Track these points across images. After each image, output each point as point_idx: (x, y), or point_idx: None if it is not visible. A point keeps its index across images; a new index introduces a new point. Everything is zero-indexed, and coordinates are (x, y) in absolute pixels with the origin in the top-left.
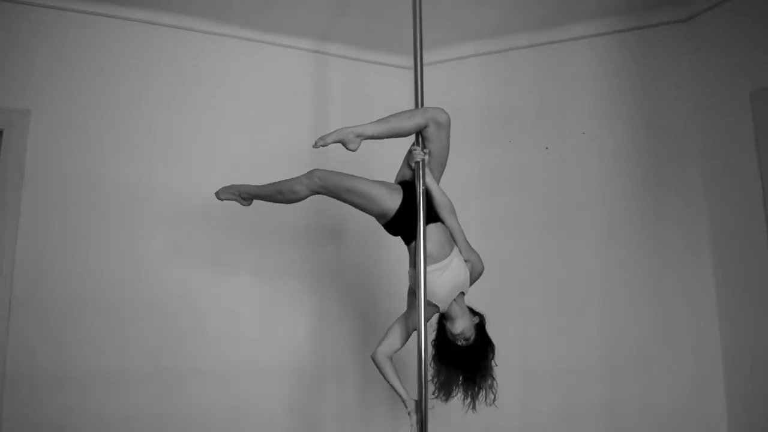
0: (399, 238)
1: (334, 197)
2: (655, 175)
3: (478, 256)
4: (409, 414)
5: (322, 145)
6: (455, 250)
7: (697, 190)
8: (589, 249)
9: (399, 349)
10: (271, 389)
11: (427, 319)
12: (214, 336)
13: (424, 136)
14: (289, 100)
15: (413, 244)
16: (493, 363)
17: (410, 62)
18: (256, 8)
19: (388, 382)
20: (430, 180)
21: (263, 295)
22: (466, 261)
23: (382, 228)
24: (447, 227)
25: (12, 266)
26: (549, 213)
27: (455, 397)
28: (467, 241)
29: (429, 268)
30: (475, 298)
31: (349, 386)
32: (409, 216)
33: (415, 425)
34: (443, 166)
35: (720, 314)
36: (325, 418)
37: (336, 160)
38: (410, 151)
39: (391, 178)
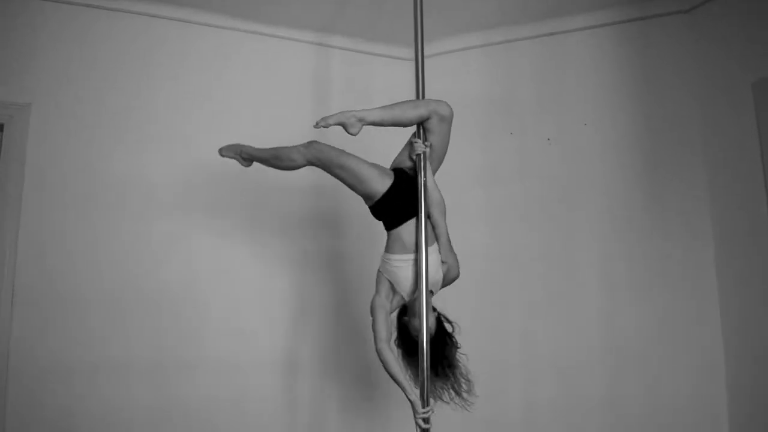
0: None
1: (326, 171)
2: (657, 166)
3: (457, 261)
4: (423, 419)
5: (324, 126)
6: (434, 247)
7: (700, 181)
8: (591, 240)
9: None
10: (273, 381)
11: (394, 309)
12: (216, 328)
13: (426, 128)
14: (290, 93)
15: (394, 230)
16: (458, 353)
17: (412, 54)
18: (258, 0)
19: (395, 378)
20: (429, 175)
21: (265, 287)
22: (443, 262)
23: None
24: (433, 224)
25: (14, 259)
26: (551, 204)
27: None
28: (450, 243)
29: (400, 256)
30: (477, 289)
31: (350, 378)
32: (394, 201)
33: (422, 422)
34: (441, 159)
35: (722, 307)
36: (327, 410)
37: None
38: (411, 143)
39: (389, 165)
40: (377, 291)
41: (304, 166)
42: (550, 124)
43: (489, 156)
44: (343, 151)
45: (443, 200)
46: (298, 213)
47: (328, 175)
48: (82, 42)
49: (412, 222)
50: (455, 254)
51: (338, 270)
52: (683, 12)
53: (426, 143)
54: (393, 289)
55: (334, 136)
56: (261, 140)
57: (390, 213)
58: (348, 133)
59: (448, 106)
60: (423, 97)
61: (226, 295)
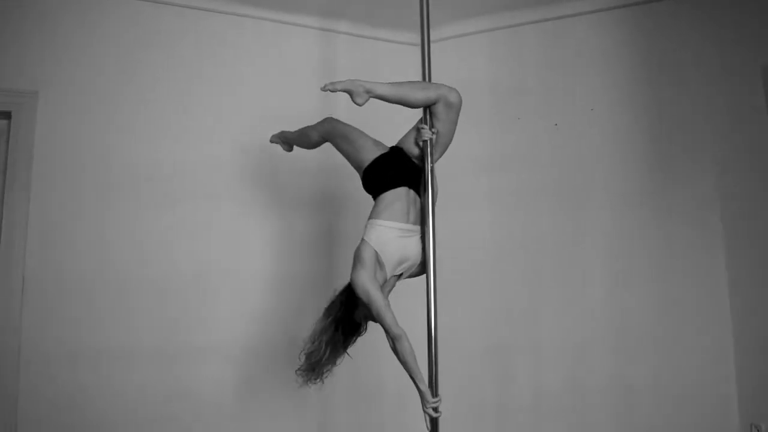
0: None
1: (333, 144)
2: (665, 149)
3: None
4: (433, 408)
5: (330, 90)
6: (418, 229)
7: (709, 165)
8: (598, 225)
9: None
10: (282, 366)
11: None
12: (224, 314)
13: (432, 113)
14: (295, 78)
15: (383, 194)
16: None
17: (417, 39)
18: None
19: (410, 368)
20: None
21: (273, 273)
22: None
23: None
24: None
25: (24, 246)
26: (558, 190)
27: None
28: None
29: (392, 223)
30: (483, 275)
31: (361, 361)
32: (383, 166)
33: (432, 411)
34: (446, 147)
35: (730, 289)
36: (337, 393)
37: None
38: (418, 129)
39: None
40: (360, 263)
41: (320, 142)
42: (558, 109)
43: (496, 141)
44: (351, 126)
45: (437, 189)
46: (307, 198)
47: (338, 157)
48: (89, 30)
49: (403, 192)
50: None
51: (350, 253)
52: None
53: (433, 129)
54: (378, 260)
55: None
56: (267, 126)
57: (379, 175)
58: (353, 101)
59: (458, 94)
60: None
61: (234, 281)
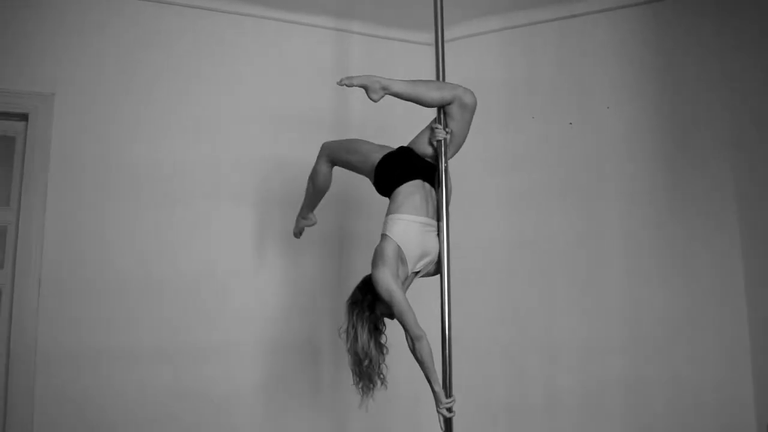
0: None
1: (340, 163)
2: (681, 148)
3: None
4: (447, 409)
5: (347, 85)
6: (435, 225)
7: (725, 164)
8: (613, 224)
9: None
10: (293, 365)
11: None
12: (239, 313)
13: (447, 113)
14: (309, 79)
15: (399, 188)
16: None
17: (431, 39)
18: None
19: (428, 370)
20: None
21: (288, 272)
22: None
23: None
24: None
25: (41, 247)
26: (571, 188)
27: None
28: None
29: (412, 217)
30: (498, 275)
31: None
32: (393, 164)
33: (446, 412)
34: (459, 147)
35: (747, 287)
36: (347, 393)
37: (356, 127)
38: (432, 129)
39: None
40: (382, 261)
41: (330, 168)
42: (572, 107)
43: (510, 140)
44: (347, 138)
45: (451, 188)
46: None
47: None
48: (105, 32)
49: (419, 185)
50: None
51: (359, 253)
52: None
53: (447, 129)
54: (401, 256)
55: (355, 123)
56: (280, 126)
57: (392, 171)
58: (369, 97)
59: (473, 95)
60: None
61: (245, 281)
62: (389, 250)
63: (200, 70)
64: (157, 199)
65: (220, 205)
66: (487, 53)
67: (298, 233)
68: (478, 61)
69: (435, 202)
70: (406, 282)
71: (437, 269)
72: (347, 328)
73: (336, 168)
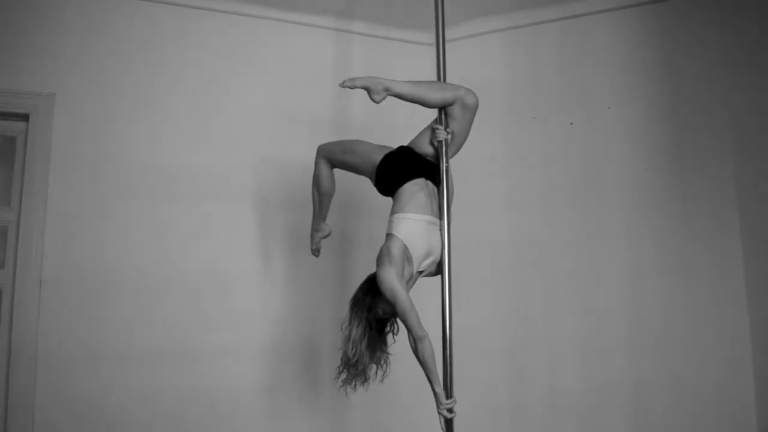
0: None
1: (339, 164)
2: (682, 149)
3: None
4: (448, 409)
5: (349, 87)
6: (438, 223)
7: (726, 165)
8: (615, 225)
9: None
10: (293, 366)
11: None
12: (241, 315)
13: (448, 114)
14: (310, 79)
15: (402, 187)
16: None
17: (432, 39)
18: None
19: (430, 371)
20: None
21: (290, 274)
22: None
23: None
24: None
25: (41, 247)
26: (573, 189)
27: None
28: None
29: (417, 216)
30: (500, 276)
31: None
32: (394, 164)
33: (446, 412)
34: (459, 148)
35: (748, 290)
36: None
37: (357, 127)
38: (433, 129)
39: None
40: (389, 260)
41: (331, 168)
42: (573, 108)
43: (511, 141)
44: (344, 139)
45: (453, 189)
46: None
47: None
48: (105, 32)
49: (422, 183)
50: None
51: (360, 254)
52: None
53: (448, 130)
54: (407, 256)
55: (356, 124)
56: (281, 126)
57: (394, 172)
58: (371, 98)
59: (475, 96)
60: (445, 82)
61: (251, 282)
62: (395, 250)
63: (201, 71)
64: (158, 199)
65: (221, 206)
66: (488, 53)
67: (316, 250)
68: (479, 61)
69: (438, 200)
70: (410, 282)
71: (438, 270)
72: (345, 324)
73: (337, 170)
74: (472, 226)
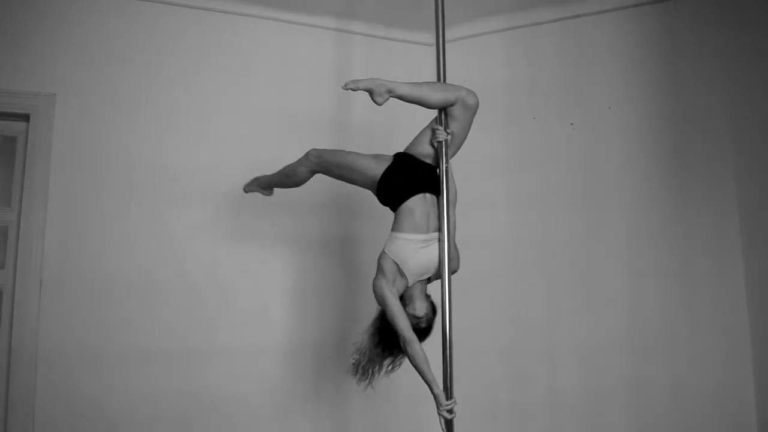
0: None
1: (330, 174)
2: (682, 149)
3: (458, 254)
4: (447, 410)
5: (352, 89)
6: (436, 235)
7: (726, 165)
8: (615, 225)
9: None
10: (295, 367)
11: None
12: (242, 315)
13: (449, 114)
14: (311, 79)
15: (401, 206)
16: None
17: (431, 39)
18: None
19: (423, 373)
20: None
21: (292, 274)
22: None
23: None
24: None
25: (42, 248)
26: (573, 189)
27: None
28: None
29: (410, 235)
30: (501, 276)
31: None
32: (394, 178)
33: (446, 413)
34: (459, 148)
35: (748, 290)
36: (350, 397)
37: (358, 127)
38: (433, 130)
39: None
40: (381, 272)
41: (310, 176)
42: (574, 108)
43: (511, 141)
44: (339, 150)
45: (456, 190)
46: (321, 200)
47: None
48: (105, 32)
49: (420, 200)
50: (457, 247)
51: (362, 255)
52: None
53: (448, 131)
54: (399, 271)
55: (357, 125)
56: (281, 126)
57: (392, 190)
58: (373, 100)
59: (476, 97)
60: (445, 83)
61: (252, 283)
62: (386, 266)
63: (201, 71)
64: (159, 199)
65: (221, 205)
66: (489, 54)
67: (248, 191)
68: (479, 61)
69: (437, 212)
70: (413, 288)
71: (438, 274)
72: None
73: None
74: (471, 225)
